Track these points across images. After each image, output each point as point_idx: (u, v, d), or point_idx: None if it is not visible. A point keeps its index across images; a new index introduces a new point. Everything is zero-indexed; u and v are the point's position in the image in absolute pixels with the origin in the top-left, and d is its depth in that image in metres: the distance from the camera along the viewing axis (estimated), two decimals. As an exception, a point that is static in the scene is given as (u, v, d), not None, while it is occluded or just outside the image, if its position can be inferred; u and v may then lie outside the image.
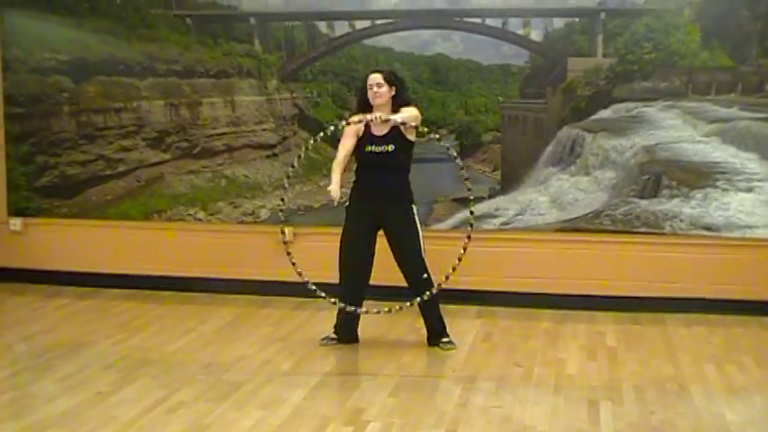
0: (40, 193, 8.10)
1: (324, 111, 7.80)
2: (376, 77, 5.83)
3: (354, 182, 6.03)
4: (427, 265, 5.99)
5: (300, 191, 7.80)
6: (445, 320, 6.18)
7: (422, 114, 5.95)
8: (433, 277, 5.98)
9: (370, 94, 5.85)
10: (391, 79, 5.87)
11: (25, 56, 7.96)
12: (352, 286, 6.03)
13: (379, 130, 5.84)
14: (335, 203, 5.83)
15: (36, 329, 6.69)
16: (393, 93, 5.86)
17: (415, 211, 5.95)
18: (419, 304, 5.98)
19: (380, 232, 6.02)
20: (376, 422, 4.68)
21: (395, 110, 5.84)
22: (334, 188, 5.72)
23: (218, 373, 5.56)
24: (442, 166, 7.65)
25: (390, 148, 5.83)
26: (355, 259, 6.02)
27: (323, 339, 6.20)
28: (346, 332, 6.17)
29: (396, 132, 5.82)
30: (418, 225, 5.97)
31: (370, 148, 5.86)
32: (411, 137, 5.88)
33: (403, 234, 5.96)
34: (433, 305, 6.06)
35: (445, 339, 6.11)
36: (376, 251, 6.05)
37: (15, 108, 8.03)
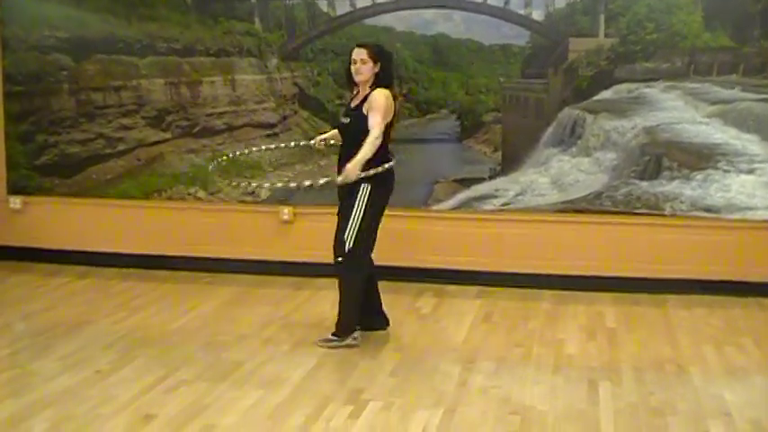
0: (39, 172, 8.09)
1: (324, 90, 7.77)
2: (360, 52, 5.56)
3: None
4: (349, 252, 5.60)
5: (301, 170, 7.78)
6: (346, 319, 5.74)
7: (396, 98, 5.63)
8: (353, 260, 5.62)
9: (353, 68, 5.58)
10: (376, 55, 5.57)
11: (24, 34, 7.92)
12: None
13: (354, 102, 5.70)
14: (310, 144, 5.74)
15: (36, 308, 6.70)
16: (376, 69, 5.56)
17: (365, 191, 5.55)
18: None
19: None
20: (376, 402, 4.70)
21: (373, 89, 5.54)
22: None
23: (218, 352, 5.58)
24: (443, 146, 7.65)
25: (347, 120, 5.66)
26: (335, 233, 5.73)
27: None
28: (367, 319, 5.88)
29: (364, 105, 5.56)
30: (361, 204, 5.56)
31: (342, 119, 5.78)
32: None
33: (342, 208, 5.69)
34: (339, 286, 5.75)
35: (330, 336, 5.76)
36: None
37: (15, 86, 8.01)
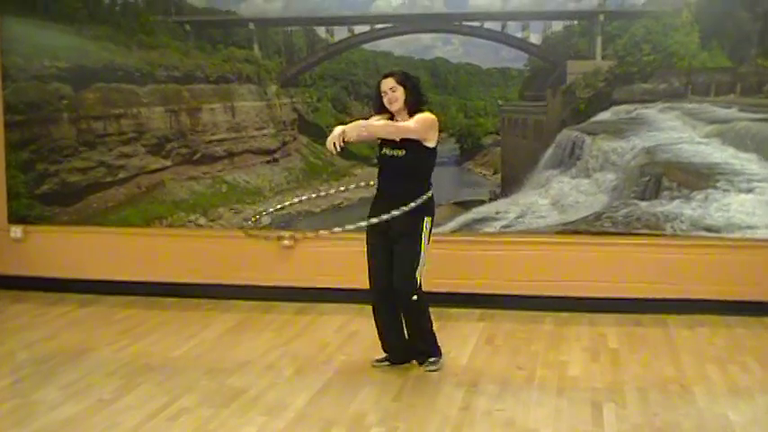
0: (40, 201, 8.10)
1: (323, 116, 7.81)
2: (388, 82, 5.47)
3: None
4: (419, 286, 5.59)
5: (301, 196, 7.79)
6: (437, 339, 5.84)
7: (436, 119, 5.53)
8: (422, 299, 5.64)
9: (385, 100, 5.48)
10: (403, 81, 5.47)
11: (25, 63, 7.96)
12: (379, 294, 5.68)
13: None
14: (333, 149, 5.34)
15: (38, 337, 6.69)
16: (406, 95, 5.45)
17: (425, 223, 5.52)
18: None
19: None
20: (379, 427, 4.68)
21: (410, 114, 5.48)
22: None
23: (221, 378, 5.56)
24: (443, 169, 7.65)
25: (401, 152, 5.45)
26: (376, 269, 5.64)
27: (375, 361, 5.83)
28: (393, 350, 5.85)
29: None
30: (423, 239, 5.53)
31: (384, 150, 5.55)
32: (429, 143, 5.47)
33: (402, 244, 5.53)
34: (415, 322, 5.72)
35: (432, 359, 5.77)
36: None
37: (15, 116, 8.03)
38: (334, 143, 5.23)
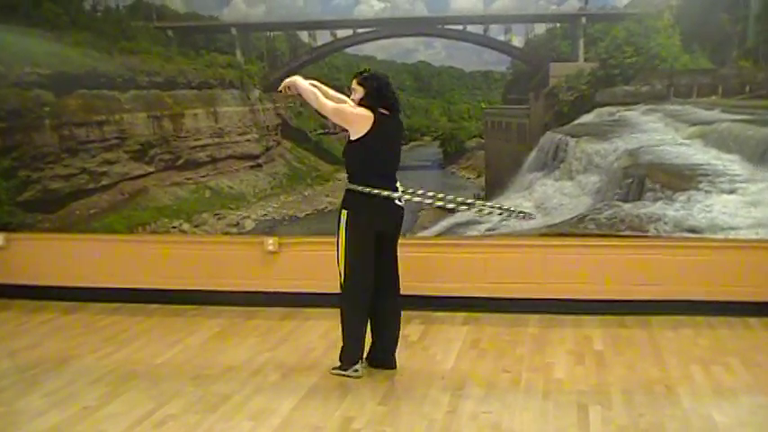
0: (22, 208, 8.06)
1: (307, 120, 7.80)
2: (353, 81, 5.70)
3: None
4: (349, 282, 5.63)
5: (285, 201, 7.79)
6: (351, 345, 5.76)
7: (361, 121, 5.56)
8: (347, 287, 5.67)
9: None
10: (362, 82, 5.64)
11: (5, 70, 7.91)
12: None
13: None
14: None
15: (21, 345, 6.65)
16: (363, 95, 5.62)
17: (342, 216, 5.61)
18: None
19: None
20: (366, 431, 4.68)
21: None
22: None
23: (207, 384, 5.55)
24: (426, 173, 7.67)
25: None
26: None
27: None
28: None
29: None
30: (341, 233, 5.60)
31: None
32: (352, 135, 5.60)
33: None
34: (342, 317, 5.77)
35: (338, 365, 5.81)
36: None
37: (-4, 123, 8.00)
38: (286, 86, 5.75)
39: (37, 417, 5.00)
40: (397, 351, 5.86)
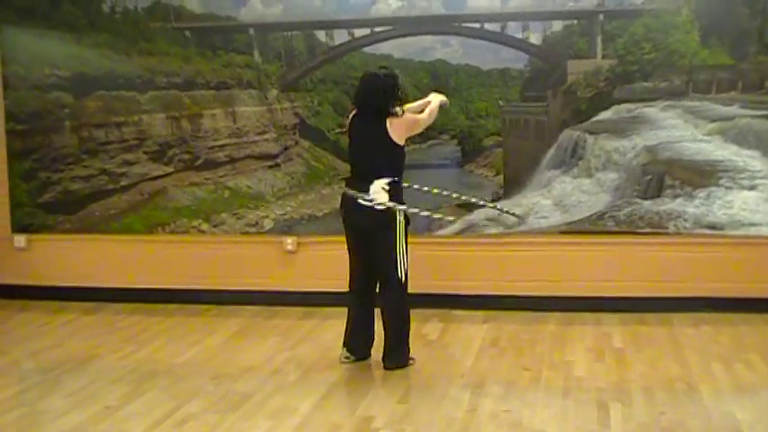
0: (43, 209, 8.10)
1: (324, 119, 7.81)
2: None
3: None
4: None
5: (304, 200, 7.80)
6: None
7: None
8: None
9: None
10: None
11: (25, 72, 7.96)
12: None
13: None
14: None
15: (43, 345, 6.69)
16: None
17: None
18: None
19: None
20: (386, 430, 4.68)
21: None
22: None
23: (227, 384, 5.56)
24: (445, 171, 7.66)
25: None
26: None
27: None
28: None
29: None
30: None
31: None
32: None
33: None
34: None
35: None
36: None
37: (17, 125, 8.02)
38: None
39: (59, 417, 5.02)
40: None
